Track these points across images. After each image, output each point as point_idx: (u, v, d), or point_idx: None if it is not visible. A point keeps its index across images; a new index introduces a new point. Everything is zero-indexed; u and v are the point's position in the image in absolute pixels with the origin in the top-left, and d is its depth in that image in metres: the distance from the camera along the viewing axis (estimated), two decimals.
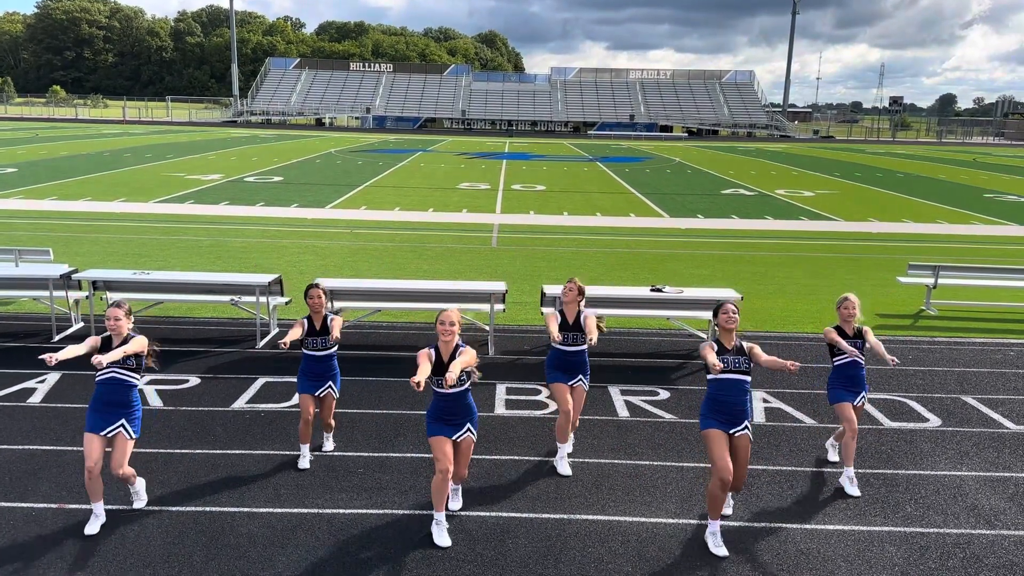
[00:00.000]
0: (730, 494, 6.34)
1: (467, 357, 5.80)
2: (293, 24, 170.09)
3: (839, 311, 6.93)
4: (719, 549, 5.88)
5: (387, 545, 5.80)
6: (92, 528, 5.88)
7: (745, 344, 6.05)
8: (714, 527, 5.99)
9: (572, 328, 6.99)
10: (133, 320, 6.02)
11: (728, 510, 6.29)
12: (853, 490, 6.83)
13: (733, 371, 5.93)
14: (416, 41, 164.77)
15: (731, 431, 5.94)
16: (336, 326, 6.92)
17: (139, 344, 5.85)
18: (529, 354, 10.34)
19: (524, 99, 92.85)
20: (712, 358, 5.83)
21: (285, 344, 6.33)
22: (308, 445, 7.04)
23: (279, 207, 23.50)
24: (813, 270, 16.22)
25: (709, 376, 6.02)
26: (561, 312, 7.07)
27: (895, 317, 12.69)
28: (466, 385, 5.91)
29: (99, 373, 5.81)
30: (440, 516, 5.93)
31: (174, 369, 9.39)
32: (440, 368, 5.77)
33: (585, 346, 7.04)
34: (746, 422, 5.97)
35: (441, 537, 5.87)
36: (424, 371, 5.58)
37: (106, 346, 5.82)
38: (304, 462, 6.99)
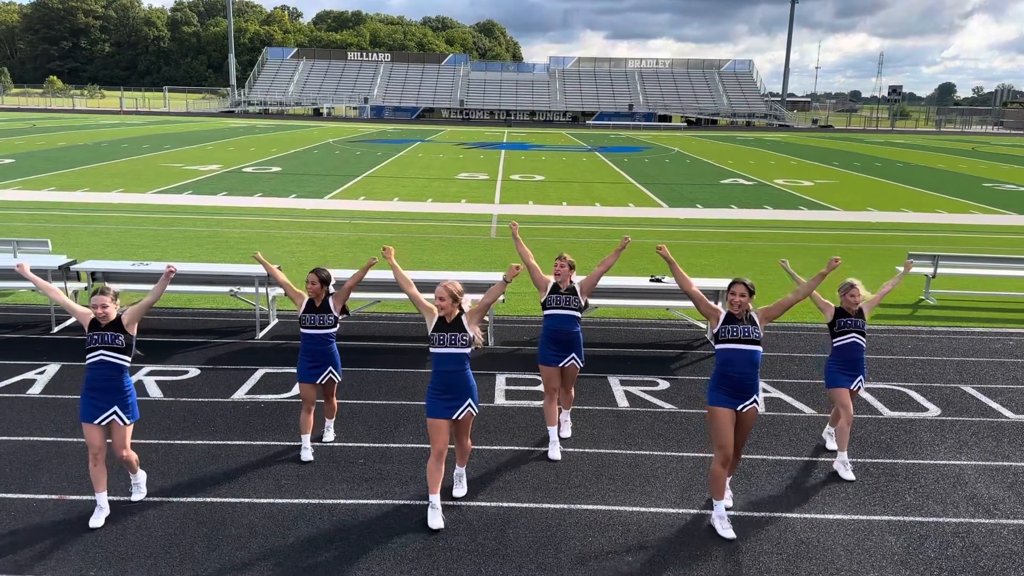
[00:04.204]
0: (729, 486, 6.36)
1: (479, 304, 6.04)
2: (290, 13, 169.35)
3: (843, 297, 7.01)
4: (727, 532, 5.85)
5: (388, 535, 5.81)
6: (97, 521, 5.82)
7: (756, 312, 5.98)
8: (720, 509, 5.95)
9: (566, 292, 7.15)
10: (120, 303, 5.93)
11: (728, 501, 6.29)
12: (847, 475, 6.87)
13: (743, 340, 5.85)
14: (414, 30, 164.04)
15: (739, 407, 5.88)
16: (338, 302, 6.93)
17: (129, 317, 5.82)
18: (529, 344, 10.34)
19: (523, 89, 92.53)
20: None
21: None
22: (309, 436, 6.98)
23: (277, 198, 23.45)
24: (812, 260, 16.20)
25: (718, 346, 5.95)
26: (556, 285, 7.23)
27: (894, 307, 12.70)
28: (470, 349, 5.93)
29: (89, 357, 5.76)
30: (434, 499, 5.91)
31: (174, 360, 9.39)
32: (443, 326, 5.86)
33: (579, 312, 7.15)
34: (755, 396, 5.90)
35: (434, 519, 5.88)
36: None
37: (94, 326, 5.77)
38: (306, 454, 6.94)
